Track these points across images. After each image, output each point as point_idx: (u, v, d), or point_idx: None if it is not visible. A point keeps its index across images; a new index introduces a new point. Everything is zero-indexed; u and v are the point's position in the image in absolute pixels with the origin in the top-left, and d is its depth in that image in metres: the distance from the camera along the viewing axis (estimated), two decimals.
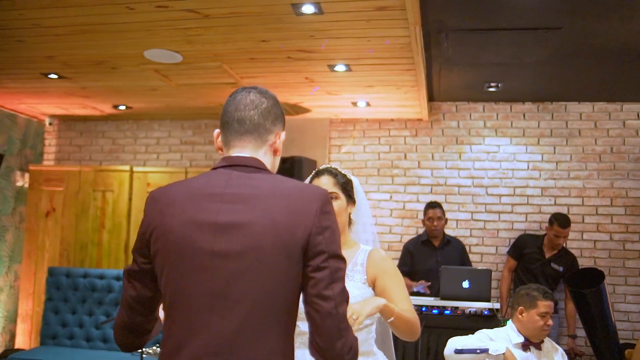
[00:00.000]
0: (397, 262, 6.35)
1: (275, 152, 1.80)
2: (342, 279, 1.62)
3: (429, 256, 5.65)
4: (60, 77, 5.32)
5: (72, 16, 3.89)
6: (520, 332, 3.45)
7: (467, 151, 6.35)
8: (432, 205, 5.73)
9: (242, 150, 1.72)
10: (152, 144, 7.22)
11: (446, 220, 5.80)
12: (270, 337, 1.56)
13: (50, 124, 7.39)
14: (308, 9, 3.62)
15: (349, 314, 2.14)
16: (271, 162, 1.78)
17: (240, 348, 1.54)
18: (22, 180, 6.98)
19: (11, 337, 6.80)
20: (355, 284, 2.43)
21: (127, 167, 6.63)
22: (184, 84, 5.40)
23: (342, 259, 1.64)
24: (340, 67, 4.76)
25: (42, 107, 6.70)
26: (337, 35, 4.07)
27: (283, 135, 1.81)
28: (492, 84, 5.65)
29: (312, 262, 1.59)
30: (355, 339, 1.67)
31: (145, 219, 1.68)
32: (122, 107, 6.54)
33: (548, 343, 3.56)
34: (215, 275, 1.56)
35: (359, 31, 3.99)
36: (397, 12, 3.62)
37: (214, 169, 1.71)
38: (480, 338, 3.39)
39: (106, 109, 6.64)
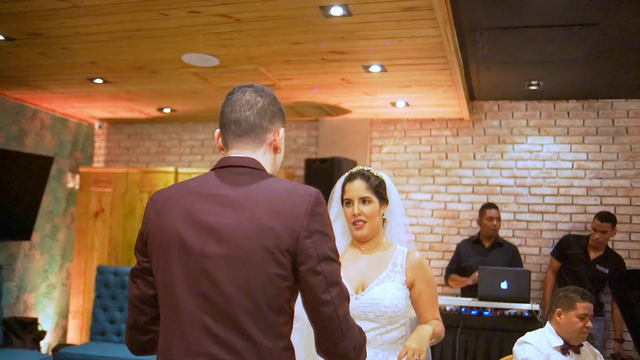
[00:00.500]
0: (442, 262, 6.35)
1: (275, 149, 1.81)
2: (338, 281, 1.63)
3: (476, 256, 5.63)
4: (105, 81, 5.51)
5: (110, 23, 4.03)
6: (559, 335, 3.40)
7: (509, 150, 6.27)
8: (491, 206, 5.78)
9: (241, 151, 1.75)
10: (197, 145, 7.37)
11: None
12: (260, 339, 1.57)
13: (99, 127, 7.63)
14: (336, 10, 3.65)
15: (409, 355, 2.23)
16: (271, 160, 1.80)
17: (229, 349, 1.56)
18: (73, 182, 7.24)
19: (64, 332, 7.06)
20: (396, 285, 2.48)
21: (172, 169, 6.79)
22: (223, 86, 5.50)
23: (335, 261, 1.64)
24: (375, 68, 4.78)
25: (91, 110, 6.93)
26: (368, 36, 4.09)
27: (282, 131, 1.82)
28: (533, 82, 5.56)
29: (303, 267, 1.59)
30: (361, 336, 1.68)
31: (143, 219, 1.73)
32: (167, 110, 6.70)
33: (587, 347, 3.49)
34: (204, 276, 1.59)
35: (389, 32, 3.99)
36: (425, 12, 3.62)
37: (212, 169, 1.75)
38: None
39: (151, 111, 6.82)
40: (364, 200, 2.52)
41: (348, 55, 4.52)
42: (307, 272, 1.59)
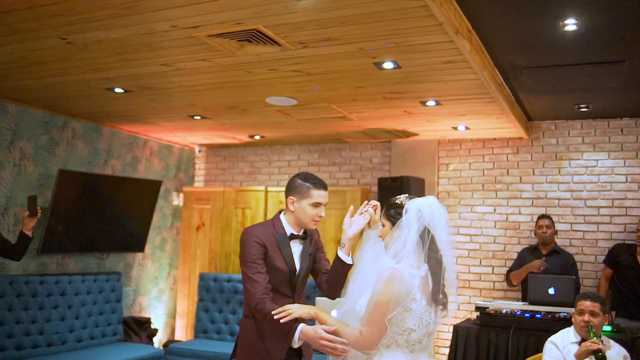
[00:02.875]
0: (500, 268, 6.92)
1: (291, 211, 3.35)
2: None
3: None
4: (203, 117, 6.46)
5: (206, 80, 4.93)
6: (577, 333, 4.06)
7: (566, 166, 6.79)
8: (543, 217, 6.40)
9: None
10: (284, 166, 8.26)
11: (555, 231, 6.35)
12: None
13: (199, 151, 8.66)
14: (388, 65, 4.40)
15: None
16: (288, 216, 3.40)
17: None
18: (177, 200, 8.27)
19: (172, 330, 8.10)
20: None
21: (262, 188, 7.70)
22: (303, 119, 6.33)
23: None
24: (430, 103, 5.47)
25: (192, 138, 7.94)
26: (419, 81, 4.80)
27: (290, 199, 3.36)
28: (582, 106, 6.07)
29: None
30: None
31: None
32: (257, 137, 7.62)
33: (617, 348, 4.08)
34: None
35: (437, 76, 4.68)
36: (462, 63, 4.31)
37: None
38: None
39: (243, 138, 7.75)
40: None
41: (405, 94, 5.24)
42: None
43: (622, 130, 6.62)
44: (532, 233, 6.82)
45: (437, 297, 2.75)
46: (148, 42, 4.05)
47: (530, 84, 5.30)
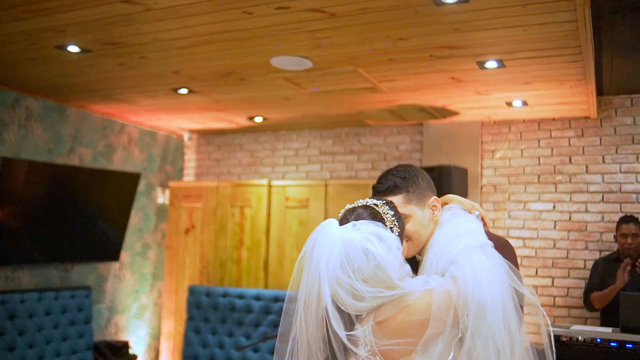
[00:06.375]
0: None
1: None
2: None
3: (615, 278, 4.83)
4: (190, 91, 5.12)
5: (189, 27, 3.59)
6: None
7: None
8: (626, 220, 4.96)
9: None
10: (291, 155, 6.90)
11: None
12: None
13: (189, 139, 7.31)
14: None
15: None
16: None
17: None
18: (162, 197, 6.94)
19: (156, 355, 6.77)
20: None
21: (264, 182, 6.35)
22: (318, 91, 4.99)
23: None
24: (491, 64, 4.12)
25: (179, 122, 6.59)
26: (487, 26, 3.45)
27: None
28: None
29: None
30: None
31: None
32: (258, 119, 6.27)
33: None
34: None
35: (512, 19, 3.34)
36: None
37: None
38: None
39: (242, 121, 6.40)
40: None
41: (461, 50, 3.88)
42: None
43: None
44: (605, 236, 5.47)
45: None
46: None
47: (627, 36, 3.96)
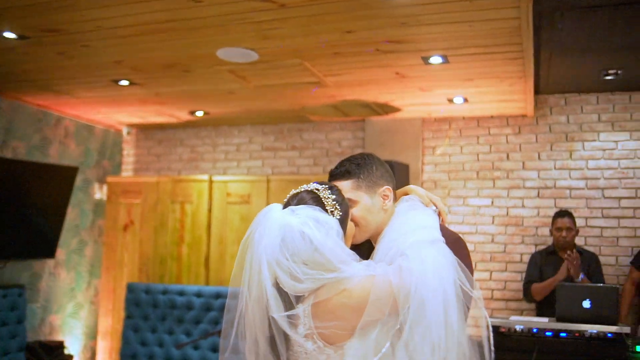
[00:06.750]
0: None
1: None
2: None
3: (555, 269, 4.97)
4: (131, 83, 5.00)
5: (134, 14, 3.50)
6: None
7: (578, 149, 5.62)
8: (561, 214, 5.12)
9: None
10: (232, 150, 6.84)
11: (577, 230, 5.12)
12: None
13: (128, 133, 7.15)
14: None
15: None
16: None
17: None
18: (100, 193, 6.76)
19: (92, 354, 6.58)
20: None
21: (205, 177, 6.26)
22: (262, 85, 4.96)
23: None
24: (435, 59, 4.18)
25: (118, 116, 6.43)
26: (434, 20, 3.50)
27: None
28: (611, 72, 4.91)
29: None
30: None
31: None
32: (200, 113, 6.17)
33: None
34: None
35: (459, 14, 3.40)
36: None
37: None
38: None
39: (183, 115, 6.30)
40: None
41: (406, 45, 3.93)
42: None
43: None
44: (540, 230, 5.64)
45: None
46: None
47: (565, 35, 4.08)
